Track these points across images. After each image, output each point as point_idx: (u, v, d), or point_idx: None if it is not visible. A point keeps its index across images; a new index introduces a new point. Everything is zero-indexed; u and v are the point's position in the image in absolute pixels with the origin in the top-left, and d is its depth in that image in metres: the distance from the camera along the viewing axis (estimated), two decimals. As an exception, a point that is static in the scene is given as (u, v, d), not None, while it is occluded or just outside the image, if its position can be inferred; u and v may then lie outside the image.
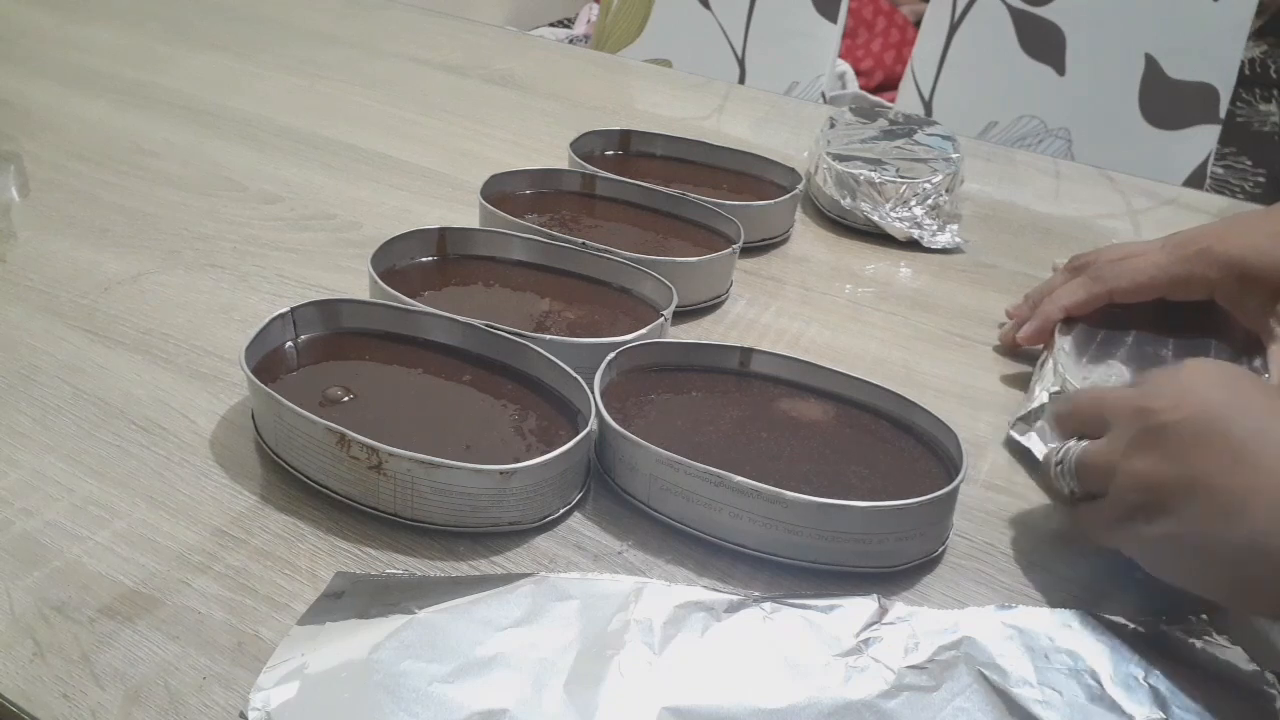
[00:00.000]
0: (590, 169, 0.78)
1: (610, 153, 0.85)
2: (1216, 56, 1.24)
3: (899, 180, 0.79)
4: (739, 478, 0.49)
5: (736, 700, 0.41)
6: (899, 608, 0.46)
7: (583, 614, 0.44)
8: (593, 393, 0.53)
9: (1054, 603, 0.50)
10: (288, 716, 0.40)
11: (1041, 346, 0.66)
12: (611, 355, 0.56)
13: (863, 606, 0.46)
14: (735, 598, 0.46)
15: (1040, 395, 0.60)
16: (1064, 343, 0.62)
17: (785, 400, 0.57)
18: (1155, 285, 0.62)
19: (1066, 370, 0.59)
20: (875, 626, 0.45)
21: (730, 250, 0.70)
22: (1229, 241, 0.60)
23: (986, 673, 0.43)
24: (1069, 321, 0.64)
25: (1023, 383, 0.66)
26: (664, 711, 0.41)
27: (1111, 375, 0.59)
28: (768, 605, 0.46)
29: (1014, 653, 0.44)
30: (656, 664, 0.43)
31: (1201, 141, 1.27)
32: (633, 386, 0.57)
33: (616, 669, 0.42)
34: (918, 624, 0.45)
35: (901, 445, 0.55)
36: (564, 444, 0.50)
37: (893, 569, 0.50)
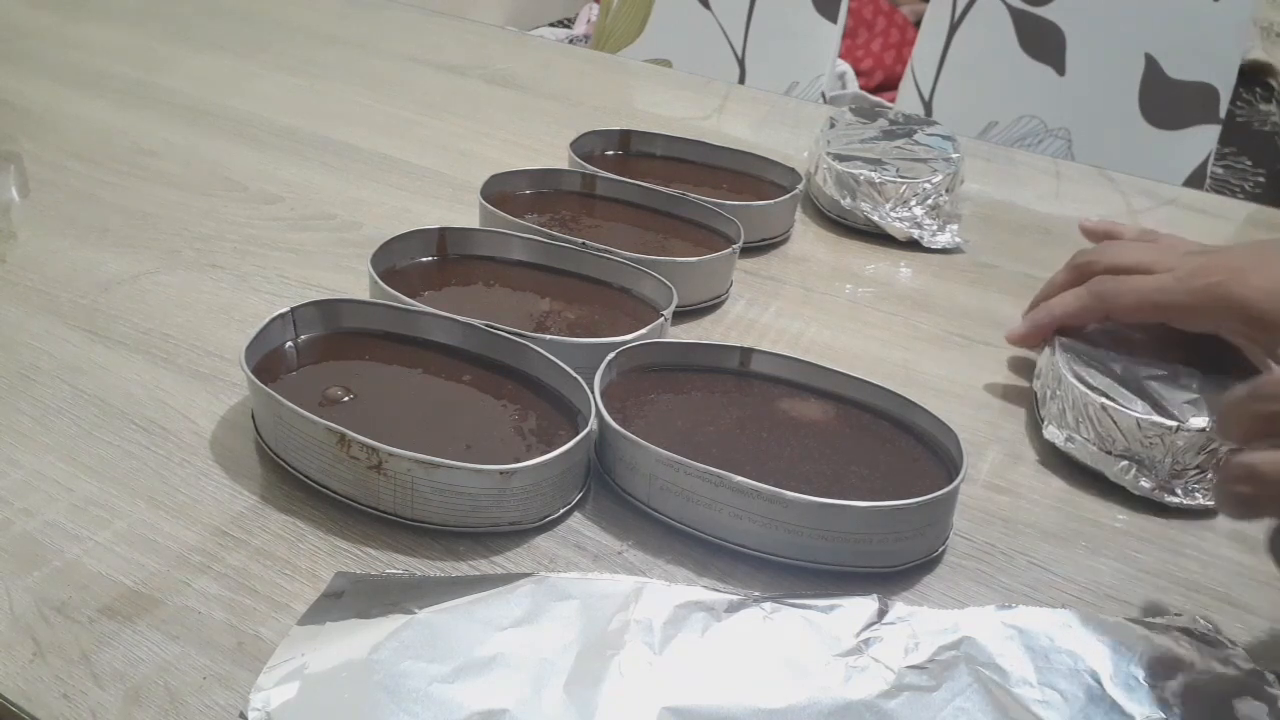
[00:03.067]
0: (590, 169, 0.78)
1: (610, 153, 0.85)
2: (1216, 56, 1.24)
3: (899, 180, 0.79)
4: (739, 478, 0.49)
5: (736, 700, 0.41)
6: (899, 608, 0.46)
7: (583, 614, 0.44)
8: (593, 393, 0.53)
9: (1054, 603, 0.50)
10: (288, 716, 0.40)
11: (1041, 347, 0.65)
12: (611, 355, 0.56)
13: (863, 606, 0.46)
14: (735, 598, 0.46)
15: (1047, 401, 0.60)
16: (1064, 341, 0.62)
17: (785, 400, 0.57)
18: (1157, 311, 0.60)
19: (1065, 368, 0.59)
20: (875, 626, 0.45)
21: (730, 250, 0.70)
22: (1246, 282, 0.57)
23: (986, 672, 0.43)
24: None
25: (1023, 382, 0.66)
26: (664, 711, 0.41)
27: (1110, 371, 0.59)
28: (768, 605, 0.45)
29: (1014, 653, 0.44)
30: (656, 664, 0.43)
31: (1201, 141, 1.27)
32: (633, 386, 0.57)
33: (616, 669, 0.42)
34: (918, 624, 0.45)
35: (901, 445, 0.55)
36: (564, 444, 0.50)
37: (893, 569, 0.50)
